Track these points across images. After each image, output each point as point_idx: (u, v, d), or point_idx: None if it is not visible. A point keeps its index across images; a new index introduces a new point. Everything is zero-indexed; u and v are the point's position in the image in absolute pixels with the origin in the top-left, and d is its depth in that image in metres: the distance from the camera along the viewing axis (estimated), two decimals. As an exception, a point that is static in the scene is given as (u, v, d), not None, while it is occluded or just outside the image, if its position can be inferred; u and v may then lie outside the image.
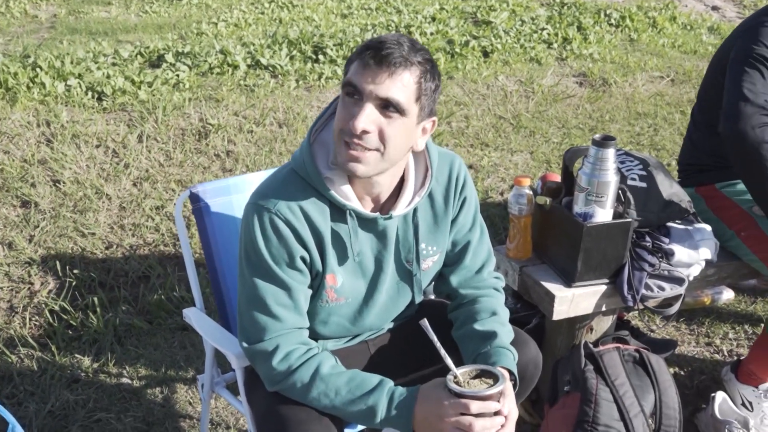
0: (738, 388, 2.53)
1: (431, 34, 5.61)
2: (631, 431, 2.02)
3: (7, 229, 3.33)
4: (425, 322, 1.51)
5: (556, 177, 2.50)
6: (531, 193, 2.19)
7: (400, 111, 1.50)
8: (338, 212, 1.62)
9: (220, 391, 2.04)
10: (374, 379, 1.57)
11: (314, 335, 1.74)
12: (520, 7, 6.64)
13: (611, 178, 2.03)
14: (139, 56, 5.03)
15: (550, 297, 2.10)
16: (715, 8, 7.99)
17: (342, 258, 1.65)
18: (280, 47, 5.17)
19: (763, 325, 2.41)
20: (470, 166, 4.24)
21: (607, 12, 6.55)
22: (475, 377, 1.52)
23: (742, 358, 2.63)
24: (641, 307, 2.15)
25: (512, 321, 2.52)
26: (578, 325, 2.28)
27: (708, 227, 2.29)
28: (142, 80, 4.50)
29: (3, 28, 6.12)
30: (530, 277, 2.19)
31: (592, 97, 5.16)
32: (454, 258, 1.81)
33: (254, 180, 2.04)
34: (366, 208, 1.66)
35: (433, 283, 1.88)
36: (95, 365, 2.74)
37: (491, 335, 1.69)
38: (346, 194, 1.60)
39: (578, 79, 5.39)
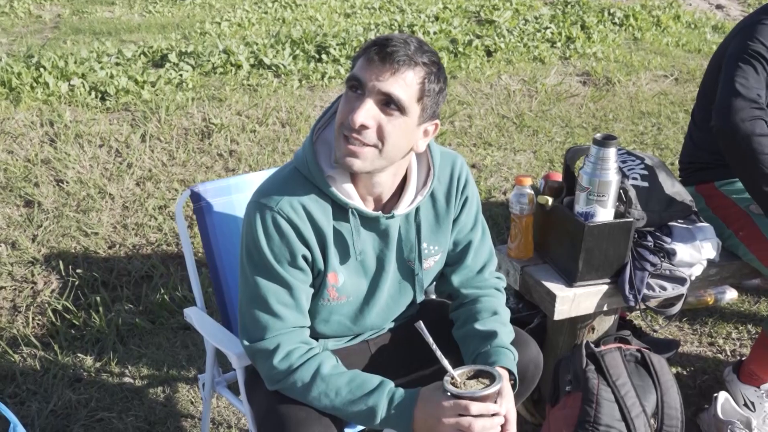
0: (740, 388, 2.52)
1: (434, 33, 5.61)
2: (632, 431, 2.02)
3: (10, 228, 3.34)
4: (421, 324, 1.51)
5: (559, 176, 2.50)
6: (532, 192, 2.18)
7: (400, 109, 1.49)
8: (340, 211, 1.62)
9: (221, 390, 2.04)
10: (375, 380, 1.57)
11: (315, 334, 1.74)
12: (523, 6, 6.63)
13: (612, 178, 2.03)
14: (142, 56, 5.04)
15: (552, 297, 2.10)
16: (719, 7, 7.97)
17: (344, 257, 1.65)
18: (283, 47, 5.18)
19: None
20: (473, 166, 4.24)
21: (611, 11, 6.54)
22: (471, 378, 1.52)
23: (744, 358, 2.62)
24: (643, 307, 2.14)
25: (514, 321, 2.52)
26: (580, 325, 2.27)
27: (710, 226, 2.28)
28: (145, 80, 4.51)
29: (7, 29, 6.13)
30: (531, 277, 2.19)
31: (596, 96, 5.15)
32: (456, 258, 1.81)
33: (255, 179, 2.04)
34: (368, 207, 1.66)
35: (435, 282, 1.88)
36: (98, 365, 2.74)
37: (491, 335, 1.69)
38: (349, 193, 1.60)
39: (582, 78, 5.38)
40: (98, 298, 3.01)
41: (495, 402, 1.49)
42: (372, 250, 1.68)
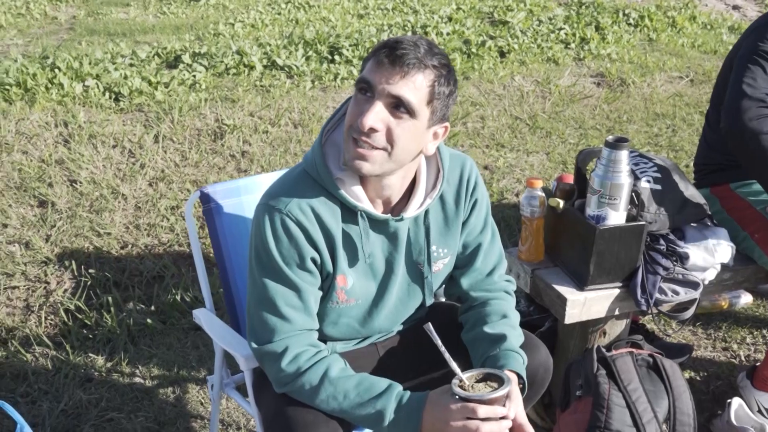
0: (754, 394, 2.49)
1: (447, 34, 5.59)
2: (644, 437, 2.00)
3: (24, 228, 3.36)
4: (429, 326, 1.50)
5: (572, 178, 2.48)
6: (543, 195, 2.17)
7: (410, 112, 1.49)
8: (349, 213, 1.62)
9: (229, 392, 2.04)
10: (383, 383, 1.56)
11: (323, 337, 1.73)
12: (537, 6, 6.60)
13: (624, 181, 2.01)
14: (156, 57, 5.07)
15: (562, 300, 2.08)
16: (736, 7, 7.89)
17: (353, 259, 1.64)
18: (296, 48, 5.18)
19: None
20: (485, 167, 4.22)
21: (626, 12, 6.49)
22: (480, 381, 1.51)
23: (758, 364, 2.59)
24: (655, 311, 2.12)
25: (525, 324, 2.51)
26: (591, 329, 2.25)
27: (724, 230, 2.26)
28: (158, 81, 4.53)
29: (23, 30, 6.18)
30: (542, 280, 2.17)
31: (610, 98, 5.11)
32: (465, 260, 1.80)
33: (265, 181, 2.04)
34: (377, 210, 1.65)
35: (444, 285, 1.87)
36: (108, 365, 2.75)
37: (501, 338, 1.68)
38: (358, 195, 1.60)
39: (596, 80, 5.35)
40: (110, 298, 3.02)
41: (503, 405, 1.48)
42: (381, 253, 1.67)
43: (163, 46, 5.24)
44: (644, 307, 2.09)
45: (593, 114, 4.93)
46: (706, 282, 2.20)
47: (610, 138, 2.01)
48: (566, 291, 2.10)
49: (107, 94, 4.34)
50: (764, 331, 3.03)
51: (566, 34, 5.81)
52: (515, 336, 1.71)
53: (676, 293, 2.13)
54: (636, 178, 2.17)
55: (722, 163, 2.43)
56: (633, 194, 2.07)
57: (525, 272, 2.24)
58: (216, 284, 2.81)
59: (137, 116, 4.19)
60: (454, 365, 1.50)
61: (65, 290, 3.10)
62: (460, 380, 1.50)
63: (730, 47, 5.98)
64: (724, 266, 2.25)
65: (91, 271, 3.17)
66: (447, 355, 1.51)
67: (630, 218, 2.08)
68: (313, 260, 1.59)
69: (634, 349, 2.19)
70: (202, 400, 2.59)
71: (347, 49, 5.13)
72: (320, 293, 1.64)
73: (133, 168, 3.79)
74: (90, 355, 2.79)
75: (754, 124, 2.12)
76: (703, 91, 5.39)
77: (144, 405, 2.54)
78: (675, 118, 4.97)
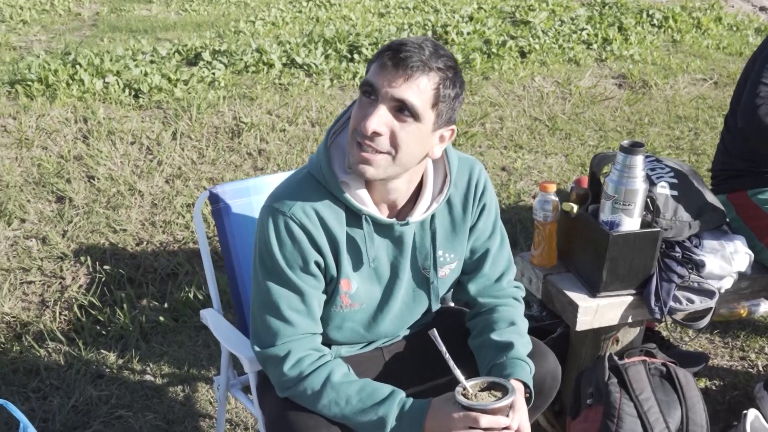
0: (771, 405, 2.44)
1: (468, 33, 5.56)
2: (655, 447, 1.96)
3: (42, 223, 3.39)
4: (434, 332, 1.49)
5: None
6: (556, 199, 2.13)
7: (414, 115, 1.47)
8: (354, 217, 1.60)
9: (235, 393, 2.03)
10: (386, 389, 1.54)
11: (328, 341, 1.72)
12: (559, 6, 6.54)
13: (639, 186, 1.97)
14: (176, 54, 5.09)
15: (574, 307, 2.05)
16: (763, 9, 7.76)
17: (357, 263, 1.63)
18: (316, 46, 5.18)
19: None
20: (503, 168, 4.19)
21: (650, 12, 6.41)
22: (484, 389, 1.49)
23: (775, 374, 2.54)
24: (669, 320, 2.08)
25: (537, 329, 2.49)
26: (604, 336, 2.22)
27: (742, 238, 2.21)
28: (178, 78, 4.55)
29: (47, 26, 6.24)
30: (554, 286, 2.14)
31: (631, 100, 5.05)
32: (473, 266, 1.78)
33: (275, 181, 2.02)
34: (383, 214, 1.63)
35: (452, 290, 1.85)
36: (120, 361, 2.76)
37: (508, 346, 1.65)
38: (363, 199, 1.58)
39: (617, 81, 5.28)
40: (123, 295, 3.04)
41: (507, 415, 1.46)
42: (386, 257, 1.66)
43: (184, 43, 5.26)
44: (658, 316, 2.05)
45: (614, 116, 4.87)
46: (723, 290, 2.16)
47: (625, 142, 1.98)
48: (578, 297, 2.07)
49: (127, 90, 4.37)
50: (784, 341, 2.97)
51: (588, 34, 5.75)
52: (523, 344, 1.68)
53: (691, 302, 2.09)
54: (652, 183, 2.13)
55: (741, 169, 2.38)
56: (648, 200, 2.03)
57: (537, 277, 2.21)
58: (225, 285, 2.81)
59: (156, 113, 4.21)
60: (457, 372, 1.48)
61: (80, 286, 3.12)
62: (464, 388, 1.48)
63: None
64: (741, 275, 2.20)
65: (106, 267, 3.19)
66: (451, 362, 1.49)
67: (645, 224, 2.04)
68: (317, 264, 1.58)
69: (647, 358, 2.16)
70: (211, 400, 2.59)
71: (367, 48, 5.12)
72: (324, 297, 1.63)
73: (150, 165, 3.81)
74: (102, 351, 2.80)
75: None
76: (727, 93, 5.30)
77: (153, 403, 2.54)
78: (698, 121, 4.89)
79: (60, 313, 2.99)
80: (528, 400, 1.61)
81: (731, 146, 2.41)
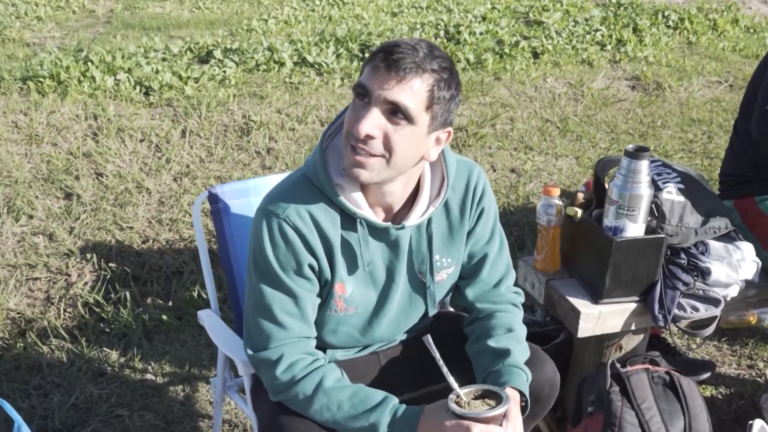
0: (778, 416, 2.40)
1: (480, 33, 5.52)
2: (656, 457, 1.93)
3: (49, 220, 3.40)
4: (428, 338, 1.47)
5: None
6: (560, 203, 2.11)
7: (407, 118, 1.45)
8: (349, 220, 1.58)
9: (231, 395, 2.02)
10: (378, 395, 1.52)
11: (324, 344, 1.70)
12: (574, 7, 6.48)
13: (644, 192, 1.94)
14: (188, 52, 5.09)
15: (576, 313, 2.02)
16: (782, 11, 7.65)
17: (352, 267, 1.61)
18: (327, 45, 5.16)
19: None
20: (512, 170, 4.15)
21: (665, 13, 6.33)
22: (478, 397, 1.47)
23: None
24: (674, 329, 2.05)
25: (540, 334, 2.46)
26: (607, 343, 2.19)
27: (750, 245, 2.17)
28: (189, 76, 4.55)
29: (61, 22, 6.27)
30: (556, 291, 2.11)
31: (645, 102, 4.99)
32: (471, 271, 1.75)
33: (274, 182, 1.99)
34: (378, 217, 1.61)
35: (450, 295, 1.82)
36: (122, 360, 2.76)
37: (505, 353, 1.63)
38: (357, 202, 1.56)
39: (631, 83, 5.22)
40: (128, 293, 3.04)
41: (500, 425, 1.43)
42: (381, 261, 1.64)
43: (196, 41, 5.26)
44: (661, 323, 2.01)
45: (626, 118, 4.82)
46: (729, 299, 2.12)
47: (630, 147, 1.94)
48: (580, 303, 2.04)
49: (138, 88, 4.37)
50: (794, 350, 2.92)
51: (602, 35, 5.69)
52: (520, 351, 1.66)
53: (696, 309, 2.05)
54: (658, 188, 2.10)
55: (749, 175, 2.33)
56: (653, 205, 2.00)
57: (540, 282, 2.18)
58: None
59: (166, 111, 4.21)
60: (451, 380, 1.46)
61: (85, 283, 3.13)
62: (457, 396, 1.45)
63: (771, 52, 5.73)
64: (748, 283, 2.16)
65: (111, 264, 3.19)
66: (445, 369, 1.46)
67: (649, 230, 2.01)
68: (311, 267, 1.56)
69: (650, 366, 2.12)
70: (211, 400, 2.58)
71: (378, 48, 5.09)
72: (318, 300, 1.61)
73: (158, 162, 3.81)
74: (104, 349, 2.81)
75: None
76: (742, 96, 5.22)
77: (153, 402, 2.54)
78: (711, 124, 4.83)
79: (64, 310, 3.00)
80: (524, 409, 1.58)
81: (740, 151, 2.37)
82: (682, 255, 2.09)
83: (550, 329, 2.45)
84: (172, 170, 3.81)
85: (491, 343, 1.66)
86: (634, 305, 2.05)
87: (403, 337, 1.81)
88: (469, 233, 1.72)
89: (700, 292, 2.06)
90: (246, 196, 2.01)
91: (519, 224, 3.67)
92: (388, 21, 6.10)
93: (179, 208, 3.59)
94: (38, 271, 3.15)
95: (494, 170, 4.14)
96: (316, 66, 4.92)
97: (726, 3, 7.04)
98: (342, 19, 6.24)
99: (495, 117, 4.55)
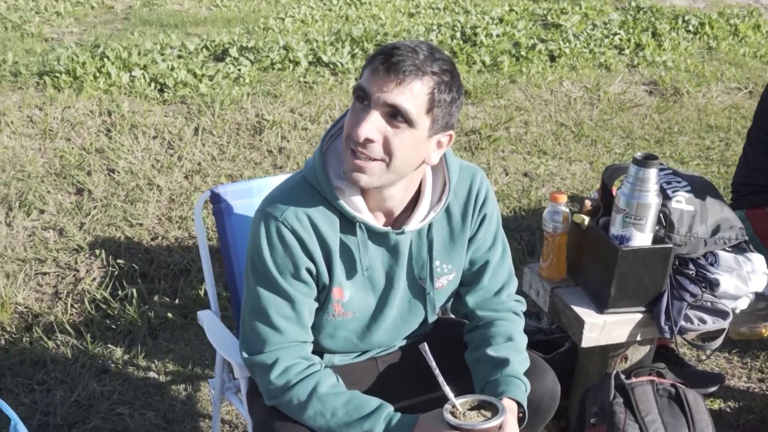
0: (788, 431, 2.35)
1: (497, 36, 5.48)
2: (659, 471, 1.90)
3: (60, 215, 3.41)
4: (425, 346, 1.45)
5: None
6: (567, 210, 2.07)
7: (407, 121, 1.43)
8: (348, 224, 1.57)
9: (230, 396, 2.01)
10: (373, 402, 1.51)
11: (321, 349, 1.69)
12: (593, 10, 6.42)
13: (652, 201, 1.90)
14: (204, 49, 5.09)
15: (580, 323, 1.99)
16: (806, 17, 7.53)
17: (350, 271, 1.59)
18: (343, 45, 5.15)
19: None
20: (525, 174, 4.11)
21: (686, 18, 6.25)
22: (474, 408, 1.45)
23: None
24: (680, 340, 2.01)
25: (545, 342, 2.43)
26: (612, 354, 2.15)
27: (761, 257, 2.12)
28: (203, 73, 4.55)
29: (80, 18, 6.31)
30: (561, 300, 2.08)
31: (662, 107, 4.93)
32: (472, 277, 1.73)
33: (278, 183, 2.00)
34: (378, 221, 1.59)
35: (451, 301, 1.80)
36: (126, 357, 2.77)
37: (503, 362, 1.60)
38: (357, 206, 1.54)
39: (648, 88, 5.16)
40: (134, 290, 3.04)
41: (495, 436, 1.41)
42: (381, 266, 1.62)
43: (212, 38, 5.27)
44: (668, 335, 1.98)
45: (642, 123, 4.76)
46: (738, 311, 2.08)
47: (638, 155, 1.91)
48: (585, 313, 2.00)
49: (152, 84, 4.38)
50: (807, 363, 2.86)
51: (621, 39, 5.63)
52: (519, 361, 1.63)
53: (703, 322, 2.01)
54: (667, 197, 2.06)
55: (763, 184, 2.29)
56: (661, 215, 1.96)
57: (544, 290, 2.15)
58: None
59: (179, 108, 4.22)
60: (447, 389, 1.44)
61: (93, 279, 3.14)
62: (453, 406, 1.43)
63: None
64: (759, 295, 2.11)
65: (119, 261, 3.20)
66: (440, 379, 1.44)
67: (657, 240, 1.97)
68: (309, 271, 1.55)
69: (655, 378, 2.09)
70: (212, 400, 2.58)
71: (393, 48, 5.06)
72: (315, 305, 1.60)
73: (170, 160, 3.82)
74: (109, 346, 2.81)
75: None
76: (761, 103, 5.15)
77: (155, 401, 2.54)
78: (729, 131, 4.76)
79: (71, 306, 3.01)
80: (521, 420, 1.56)
81: (753, 160, 2.33)
82: (691, 265, 2.06)
83: (555, 337, 2.42)
84: (183, 168, 3.81)
85: (490, 351, 1.64)
86: (639, 316, 2.01)
87: (402, 343, 1.79)
88: (471, 239, 1.69)
89: (708, 304, 2.02)
90: (249, 196, 2.00)
91: (530, 229, 3.64)
92: (404, 21, 6.07)
93: (189, 206, 3.59)
94: (47, 266, 3.16)
95: (507, 174, 4.10)
96: (330, 66, 4.90)
97: (748, 9, 6.94)
98: (359, 19, 6.23)
99: (509, 120, 4.51)
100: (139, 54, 4.70)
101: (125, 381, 2.62)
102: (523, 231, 3.63)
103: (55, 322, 2.90)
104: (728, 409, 2.57)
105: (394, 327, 1.70)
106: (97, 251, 3.25)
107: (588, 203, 2.13)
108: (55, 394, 2.53)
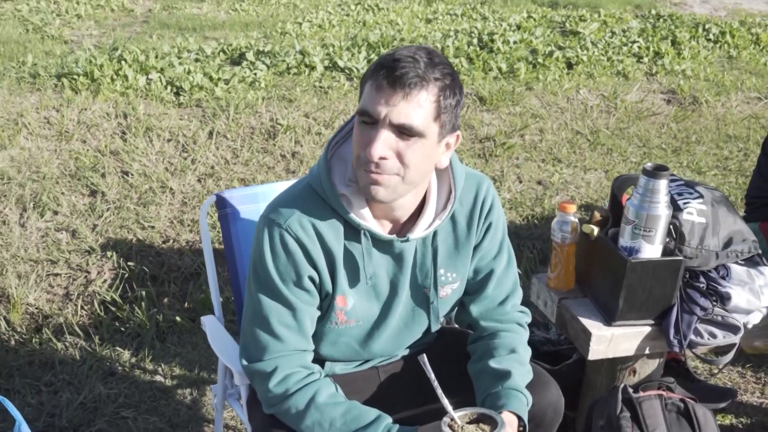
0: (801, 449, 2.30)
1: (514, 42, 5.45)
2: (665, 488, 1.86)
3: (73, 216, 3.43)
4: (423, 358, 1.43)
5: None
6: (576, 220, 2.05)
7: (418, 134, 1.42)
8: (353, 231, 1.55)
9: (231, 402, 2.00)
10: (372, 413, 1.49)
11: (322, 356, 1.67)
12: (612, 18, 6.37)
13: (662, 212, 1.87)
14: (221, 53, 5.12)
15: (587, 335, 1.96)
16: (830, 26, 7.41)
17: (354, 280, 1.58)
18: (359, 50, 5.15)
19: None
20: (539, 182, 4.08)
21: (706, 26, 6.19)
22: (472, 422, 1.42)
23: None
24: (690, 354, 1.97)
25: (553, 354, 2.40)
26: (620, 366, 2.12)
27: (775, 271, 2.08)
28: (220, 77, 4.57)
29: (100, 21, 6.36)
30: (568, 311, 2.05)
31: (679, 116, 4.87)
32: (476, 286, 1.71)
33: (283, 189, 1.99)
34: (384, 229, 1.58)
35: (455, 311, 1.78)
36: (133, 360, 2.77)
37: (505, 375, 1.58)
38: (362, 214, 1.53)
39: (666, 96, 5.11)
40: (144, 292, 3.05)
41: (494, 451, 1.39)
42: (385, 274, 1.60)
43: (230, 42, 5.29)
44: (677, 349, 1.94)
45: (660, 132, 4.71)
46: (750, 326, 2.04)
47: (648, 165, 1.88)
48: (592, 325, 1.98)
49: (169, 88, 4.40)
50: (823, 379, 2.80)
51: (639, 47, 5.58)
52: (521, 374, 1.61)
53: (714, 336, 1.97)
54: (678, 208, 2.03)
55: (777, 197, 2.25)
56: (671, 226, 1.93)
57: (552, 300, 2.12)
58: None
59: (195, 111, 4.23)
60: (445, 402, 1.42)
61: (104, 281, 3.15)
62: (451, 419, 1.41)
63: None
64: (771, 310, 2.07)
65: (130, 263, 3.21)
66: (439, 391, 1.42)
67: (667, 252, 1.94)
68: (311, 279, 1.54)
69: (664, 392, 2.05)
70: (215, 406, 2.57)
71: (409, 54, 5.05)
72: (317, 313, 1.58)
73: (184, 163, 3.83)
74: (117, 348, 2.82)
75: None
76: (781, 114, 5.09)
77: (160, 404, 2.54)
78: (748, 141, 4.69)
79: (81, 308, 3.02)
80: (521, 434, 1.53)
81: (767, 171, 2.28)
82: (702, 278, 2.02)
83: (563, 348, 2.39)
84: (196, 171, 3.82)
85: (493, 363, 1.62)
86: (648, 329, 1.98)
87: (405, 352, 1.78)
88: (476, 248, 1.67)
89: (719, 318, 1.99)
90: (255, 201, 2.00)
91: (542, 238, 3.61)
92: (421, 27, 6.06)
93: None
94: (59, 267, 3.18)
95: (520, 182, 4.07)
96: (346, 71, 4.90)
97: (771, 17, 6.86)
98: (376, 25, 6.22)
99: (524, 127, 4.48)
100: (156, 57, 4.73)
101: (131, 384, 2.63)
102: (536, 240, 3.60)
103: (64, 324, 2.91)
104: (740, 425, 2.52)
105: (397, 335, 1.69)
106: (109, 253, 3.26)
107: (597, 214, 2.10)
108: (62, 396, 2.53)
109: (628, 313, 1.96)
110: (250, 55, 5.00)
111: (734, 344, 1.98)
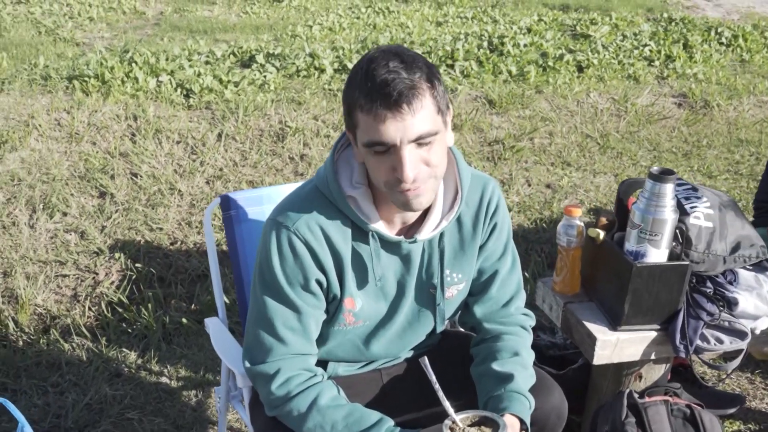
0: (810, 456, 2.28)
1: (525, 45, 5.44)
2: (671, 495, 1.85)
3: (82, 218, 3.45)
4: (425, 360, 1.42)
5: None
6: (582, 224, 2.04)
7: (433, 134, 1.43)
8: (360, 233, 1.55)
9: (235, 405, 2.01)
10: (373, 416, 1.49)
11: (327, 357, 1.67)
12: (623, 21, 6.35)
13: (668, 216, 1.86)
14: (231, 56, 5.13)
15: (592, 340, 1.95)
16: None
17: (362, 281, 1.58)
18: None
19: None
20: (548, 186, 4.07)
21: (719, 30, 6.15)
22: (474, 424, 1.42)
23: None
24: (697, 360, 1.96)
25: (559, 358, 2.38)
26: (626, 371, 2.10)
27: (784, 276, 2.06)
28: (229, 80, 4.59)
29: (112, 23, 6.40)
30: (573, 315, 2.04)
31: (690, 120, 4.84)
32: (480, 287, 1.70)
33: (289, 192, 1.99)
34: (391, 230, 1.58)
35: (459, 313, 1.77)
36: (139, 361, 2.78)
37: (508, 378, 1.57)
38: (370, 215, 1.53)
39: (677, 100, 5.08)
40: (151, 294, 3.06)
41: (495, 454, 1.38)
42: (393, 275, 1.60)
43: (240, 45, 5.31)
44: (683, 354, 1.93)
45: (670, 136, 4.68)
46: (758, 332, 2.02)
47: (654, 169, 1.87)
48: (597, 329, 1.96)
49: (179, 90, 4.42)
50: (834, 386, 2.77)
51: (651, 50, 5.55)
52: (524, 377, 1.60)
53: (720, 342, 1.96)
54: (685, 213, 2.01)
55: (786, 202, 2.23)
56: (678, 231, 1.92)
57: (557, 305, 2.11)
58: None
59: (204, 114, 4.25)
60: (447, 405, 1.42)
61: (112, 282, 3.16)
62: (453, 422, 1.41)
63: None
64: (780, 316, 2.05)
65: (138, 265, 3.22)
66: (440, 394, 1.42)
67: (673, 256, 1.93)
68: (319, 282, 1.53)
69: (670, 398, 2.03)
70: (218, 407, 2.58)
71: (419, 57, 5.05)
72: (323, 316, 1.58)
73: (192, 165, 3.84)
74: (123, 349, 2.83)
75: None
76: (795, 118, 5.04)
77: (165, 406, 2.54)
78: (760, 145, 4.66)
79: (89, 309, 3.03)
80: (524, 438, 1.52)
81: (776, 177, 2.27)
82: (709, 283, 2.00)
83: (569, 353, 2.38)
84: (205, 173, 3.83)
85: (495, 366, 1.61)
86: (654, 334, 1.97)
87: (409, 354, 1.77)
88: (481, 248, 1.67)
89: (726, 324, 1.97)
90: (259, 204, 2.00)
91: (550, 242, 3.59)
92: (432, 30, 6.06)
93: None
94: (67, 268, 3.19)
95: (529, 185, 4.06)
96: (355, 73, 4.90)
97: (784, 20, 6.82)
98: (386, 28, 6.23)
99: (534, 131, 4.46)
100: (166, 59, 4.76)
101: (137, 385, 2.63)
102: (544, 243, 3.58)
103: (72, 325, 2.93)
104: (748, 432, 2.51)
105: (401, 336, 1.68)
106: (117, 255, 3.27)
107: (603, 218, 2.09)
108: (68, 397, 2.54)
109: (633, 317, 1.94)
110: (260, 58, 5.02)
111: (741, 350, 1.97)
